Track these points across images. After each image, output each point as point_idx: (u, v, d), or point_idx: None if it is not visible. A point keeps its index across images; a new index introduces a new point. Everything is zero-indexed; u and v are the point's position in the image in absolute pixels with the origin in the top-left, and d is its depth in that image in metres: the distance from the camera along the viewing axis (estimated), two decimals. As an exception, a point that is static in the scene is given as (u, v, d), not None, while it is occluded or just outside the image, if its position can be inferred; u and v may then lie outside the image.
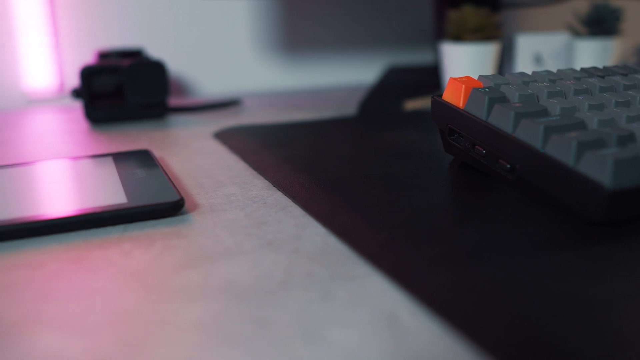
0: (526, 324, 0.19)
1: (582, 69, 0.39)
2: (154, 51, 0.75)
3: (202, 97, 0.75)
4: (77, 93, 0.56)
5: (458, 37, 0.63)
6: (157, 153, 0.44)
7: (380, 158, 0.39)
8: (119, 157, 0.39)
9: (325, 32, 0.82)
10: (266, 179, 0.35)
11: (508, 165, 0.31)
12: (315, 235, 0.27)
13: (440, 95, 0.36)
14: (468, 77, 0.36)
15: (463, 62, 0.62)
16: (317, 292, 0.21)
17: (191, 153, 0.43)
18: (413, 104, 0.59)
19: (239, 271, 0.23)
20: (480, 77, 0.36)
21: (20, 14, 0.69)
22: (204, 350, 0.18)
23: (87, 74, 0.55)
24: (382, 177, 0.35)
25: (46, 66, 0.70)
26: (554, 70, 0.67)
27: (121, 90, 0.57)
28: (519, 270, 0.22)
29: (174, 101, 0.71)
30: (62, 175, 0.35)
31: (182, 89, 0.78)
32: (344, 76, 0.85)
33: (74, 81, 0.73)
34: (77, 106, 0.70)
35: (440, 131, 0.37)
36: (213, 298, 0.21)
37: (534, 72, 0.38)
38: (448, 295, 0.20)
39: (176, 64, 0.77)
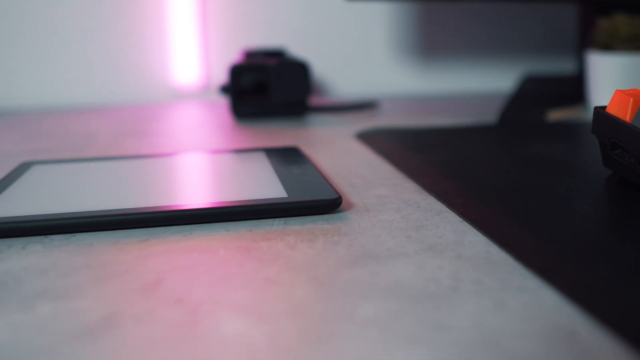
0: None
1: None
2: (294, 50, 0.78)
3: (336, 97, 0.77)
4: (225, 89, 0.58)
5: (608, 46, 0.60)
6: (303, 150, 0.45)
7: (530, 168, 0.38)
8: (271, 153, 0.40)
9: (461, 37, 0.81)
10: (416, 182, 0.35)
11: (681, 185, 0.29)
12: (476, 242, 0.26)
13: (604, 108, 0.35)
14: (636, 90, 0.34)
15: (613, 74, 0.59)
16: (490, 301, 0.21)
17: (336, 152, 0.44)
18: (556, 115, 0.57)
19: (406, 272, 0.23)
20: (649, 89, 0.34)
21: (173, 14, 0.73)
22: (382, 347, 0.18)
23: (237, 71, 0.57)
24: (535, 188, 0.34)
25: (194, 63, 0.74)
26: None
27: (263, 87, 0.59)
28: None
29: (311, 100, 0.73)
30: (220, 167, 0.36)
31: (317, 88, 0.79)
32: (478, 83, 0.83)
33: (218, 78, 0.76)
34: (221, 102, 0.73)
35: (600, 144, 0.35)
36: (385, 297, 0.21)
37: None
38: (629, 315, 0.20)
39: (313, 64, 0.78)
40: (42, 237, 0.28)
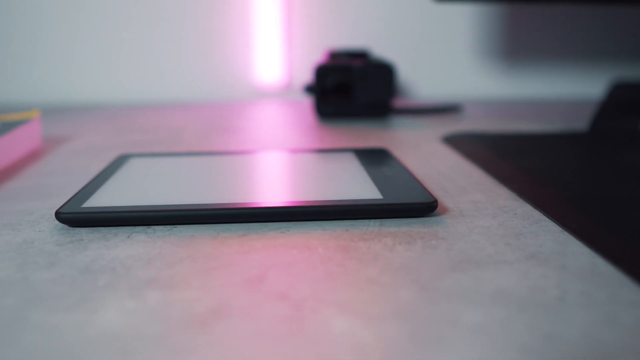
0: None
1: None
2: (377, 51, 0.77)
3: (418, 99, 0.76)
4: (309, 89, 0.59)
5: None
6: (389, 152, 0.45)
7: (629, 179, 0.36)
8: (360, 153, 0.40)
9: (548, 40, 0.79)
10: (510, 189, 0.35)
11: None
12: (579, 253, 0.26)
13: None
14: None
15: None
16: (599, 314, 0.20)
17: (424, 155, 0.44)
18: (652, 124, 0.55)
19: (509, 280, 0.23)
20: None
21: (258, 13, 0.74)
22: (493, 355, 0.18)
23: (322, 72, 0.58)
24: (638, 199, 0.32)
25: (277, 62, 0.75)
26: None
27: (345, 88, 0.59)
28: None
29: (394, 102, 0.72)
30: (312, 166, 0.37)
31: (400, 90, 0.79)
32: (565, 88, 0.81)
33: (300, 78, 0.77)
34: (303, 101, 0.74)
35: None
36: (491, 304, 0.21)
37: None
38: None
39: (396, 65, 0.78)
40: (145, 227, 0.29)
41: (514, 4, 0.78)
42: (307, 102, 0.73)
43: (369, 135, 0.51)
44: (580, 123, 0.59)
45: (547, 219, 0.30)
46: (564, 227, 0.28)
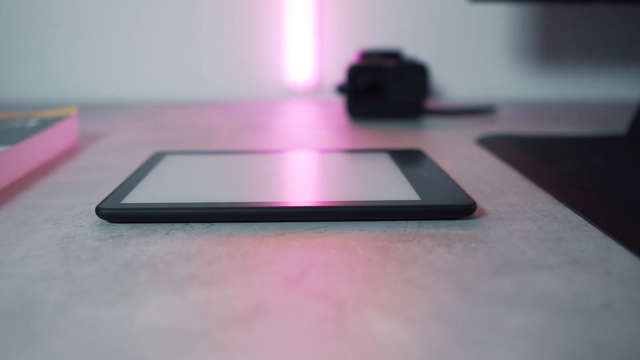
0: None
1: None
2: (409, 51, 0.77)
3: (450, 100, 0.76)
4: (341, 89, 0.59)
5: None
6: (423, 154, 0.45)
7: (673, 185, 0.36)
8: (395, 154, 0.40)
9: (583, 42, 0.78)
10: (548, 192, 0.34)
11: None
12: (623, 259, 0.25)
13: None
14: None
15: None
16: (647, 322, 0.20)
17: (458, 157, 0.43)
18: (691, 129, 0.54)
19: (552, 285, 0.23)
20: None
21: (290, 13, 0.74)
22: (535, 359, 0.18)
23: (355, 72, 0.57)
24: (682, 206, 0.32)
25: (308, 62, 0.75)
26: None
27: (378, 88, 0.59)
28: None
29: (426, 103, 0.72)
30: (347, 166, 0.37)
31: (431, 90, 0.79)
32: (601, 90, 0.80)
33: (331, 78, 0.77)
34: (333, 100, 0.74)
35: None
36: (533, 309, 0.21)
37: None
38: None
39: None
40: (183, 224, 0.29)
41: (548, 4, 0.77)
42: (338, 102, 0.73)
43: (402, 136, 0.51)
44: (618, 126, 0.58)
45: (588, 223, 0.30)
46: (606, 232, 0.28)
